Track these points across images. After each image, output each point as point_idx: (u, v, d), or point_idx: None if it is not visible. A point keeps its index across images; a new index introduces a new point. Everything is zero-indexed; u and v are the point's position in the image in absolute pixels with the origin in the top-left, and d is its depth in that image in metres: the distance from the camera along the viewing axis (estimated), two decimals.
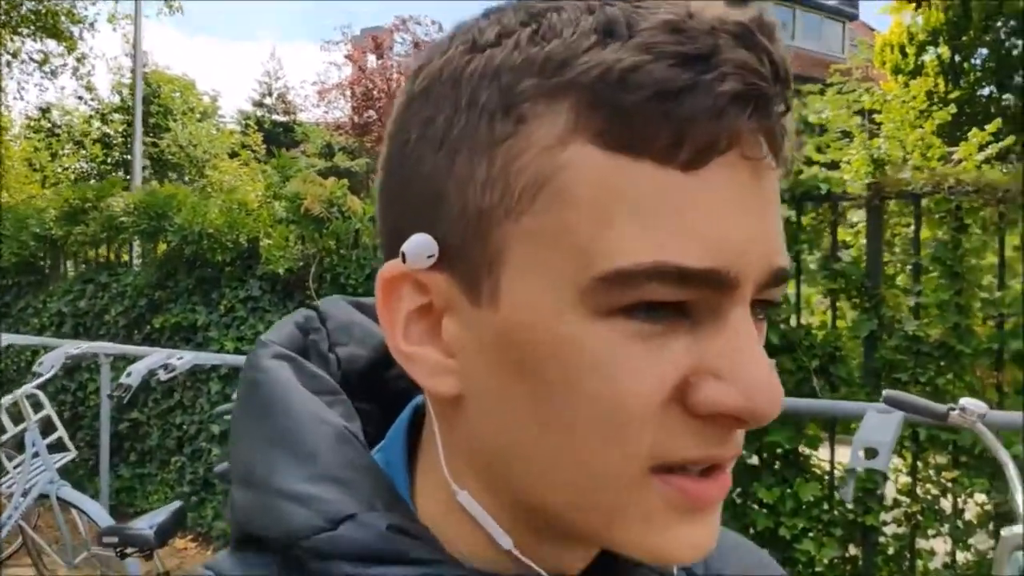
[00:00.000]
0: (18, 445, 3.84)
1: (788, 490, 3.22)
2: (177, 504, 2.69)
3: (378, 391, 0.53)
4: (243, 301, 4.96)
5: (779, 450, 3.30)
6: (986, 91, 12.50)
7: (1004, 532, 1.54)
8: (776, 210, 0.40)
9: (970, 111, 11.52)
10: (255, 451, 0.46)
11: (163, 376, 3.45)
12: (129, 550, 2.45)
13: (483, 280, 0.40)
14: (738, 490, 3.37)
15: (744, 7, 0.38)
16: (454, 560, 0.43)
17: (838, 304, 3.38)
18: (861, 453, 1.96)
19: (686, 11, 0.37)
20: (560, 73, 0.37)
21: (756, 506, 3.32)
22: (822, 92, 9.49)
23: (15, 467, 3.67)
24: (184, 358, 3.52)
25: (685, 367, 0.38)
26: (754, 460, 3.39)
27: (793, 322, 3.37)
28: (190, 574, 0.47)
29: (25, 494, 3.58)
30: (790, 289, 3.41)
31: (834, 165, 8.07)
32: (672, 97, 0.35)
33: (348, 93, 22.11)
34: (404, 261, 0.41)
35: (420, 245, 0.41)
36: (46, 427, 3.74)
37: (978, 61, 12.39)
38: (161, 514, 2.54)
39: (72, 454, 3.78)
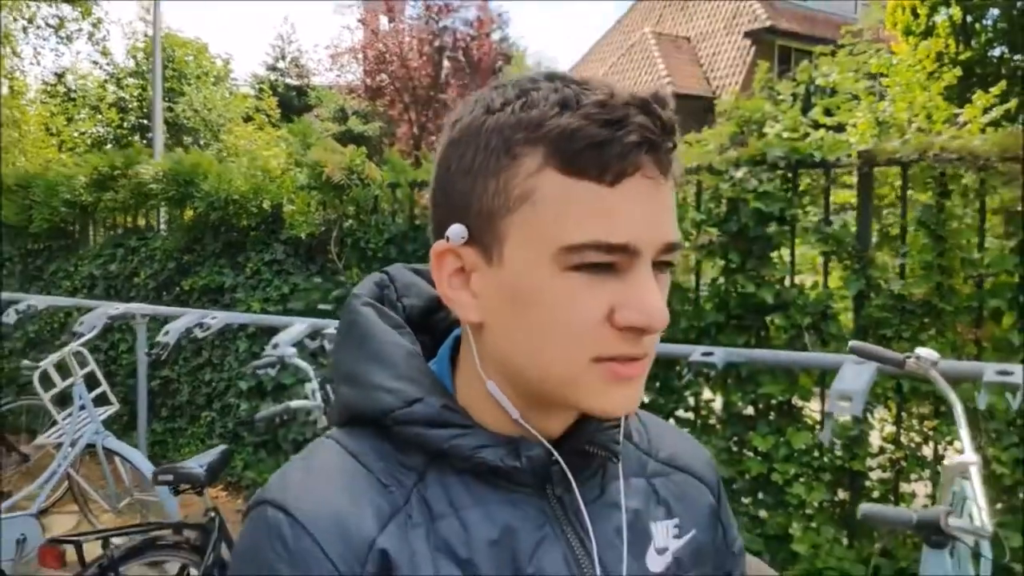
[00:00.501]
0: (62, 399, 4.12)
1: (781, 438, 3.46)
2: (223, 446, 2.95)
3: (430, 328, 0.81)
4: (268, 264, 5.21)
5: (773, 401, 3.53)
6: (997, 52, 12.47)
7: (947, 461, 1.76)
8: (669, 206, 0.68)
9: (980, 72, 11.53)
10: (357, 363, 0.75)
11: (199, 334, 3.71)
12: (182, 487, 2.72)
13: (494, 251, 0.68)
14: (734, 438, 3.62)
15: (650, 89, 0.67)
16: (481, 427, 0.73)
17: (829, 265, 3.58)
18: (838, 399, 2.19)
19: (611, 92, 0.65)
20: (537, 131, 0.65)
21: (751, 453, 3.56)
22: (833, 54, 9.54)
23: (64, 419, 3.95)
24: (218, 318, 3.78)
25: (612, 301, 0.66)
26: (749, 410, 3.63)
27: (787, 283, 3.59)
28: (320, 440, 0.75)
29: (73, 444, 3.86)
30: (784, 251, 3.62)
31: (840, 128, 8.19)
32: (599, 146, 0.64)
33: (360, 57, 22.18)
34: (447, 241, 0.69)
35: (457, 231, 0.69)
36: (90, 382, 4.02)
37: (989, 22, 12.35)
38: (210, 455, 2.80)
39: (115, 407, 4.07)
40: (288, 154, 5.25)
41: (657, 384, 3.77)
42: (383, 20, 22.54)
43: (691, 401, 3.79)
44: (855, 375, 2.21)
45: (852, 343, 2.08)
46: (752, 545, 3.47)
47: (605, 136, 0.63)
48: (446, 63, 21.77)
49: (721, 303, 3.65)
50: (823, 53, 9.44)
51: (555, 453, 0.73)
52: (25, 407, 4.98)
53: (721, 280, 3.67)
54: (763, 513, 3.57)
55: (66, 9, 18.39)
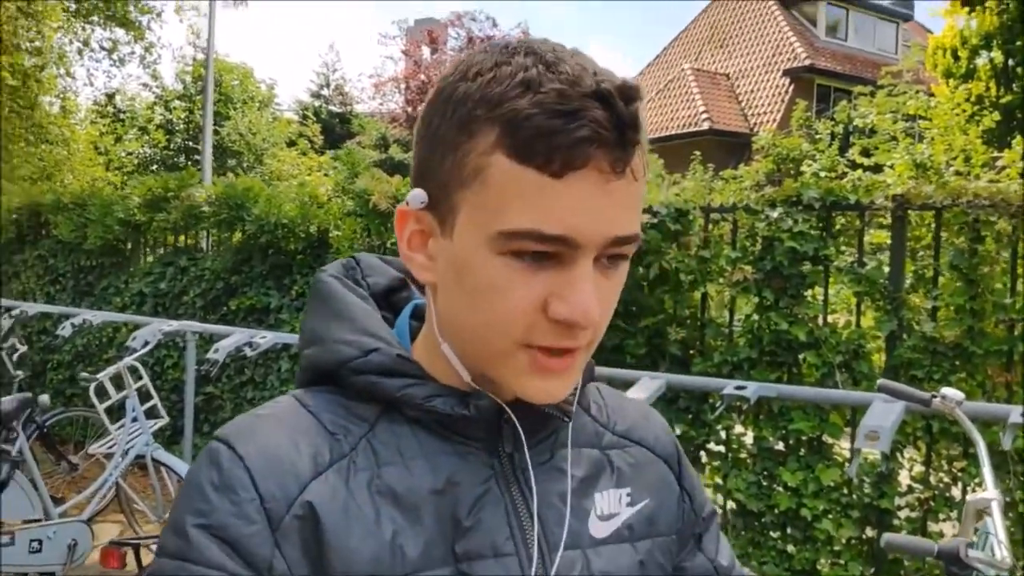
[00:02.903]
0: (112, 411, 4.28)
1: (810, 474, 3.52)
2: None
3: (391, 304, 0.85)
4: None
5: (803, 437, 3.60)
6: None
7: (969, 497, 1.83)
8: (622, 201, 0.66)
9: (1021, 117, 11.52)
10: (319, 322, 0.79)
11: (248, 353, 3.86)
12: None
13: (447, 222, 0.69)
14: (764, 472, 3.68)
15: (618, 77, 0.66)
16: (434, 380, 0.75)
17: (862, 305, 3.65)
18: (866, 435, 2.27)
19: (573, 79, 0.63)
20: (494, 110, 0.65)
21: (781, 488, 3.62)
22: (872, 94, 9.57)
23: (116, 430, 4.12)
24: (267, 337, 3.92)
25: (545, 291, 0.66)
26: (780, 446, 3.69)
27: (820, 321, 3.66)
28: (279, 400, 0.78)
29: (125, 454, 4.02)
30: (817, 291, 3.70)
31: (878, 168, 8.18)
32: (548, 136, 0.63)
33: (403, 86, 22.60)
34: (407, 205, 0.72)
35: (417, 196, 0.71)
36: (142, 396, 4.18)
37: None
38: None
39: (165, 420, 4.22)
40: (335, 181, 5.44)
41: (690, 416, 3.85)
42: (425, 50, 22.97)
43: (723, 435, 3.86)
44: (884, 413, 2.29)
45: (880, 381, 2.16)
46: None
47: (555, 127, 0.63)
48: None
49: (754, 339, 3.73)
50: (862, 93, 9.51)
51: (506, 408, 0.74)
52: (72, 418, 5.17)
53: (755, 317, 3.76)
54: (791, 548, 3.62)
55: (120, 32, 18.86)
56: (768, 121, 18.51)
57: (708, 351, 3.92)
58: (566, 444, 0.79)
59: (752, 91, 20.30)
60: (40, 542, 3.41)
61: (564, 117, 0.62)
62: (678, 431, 3.86)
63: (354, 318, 0.77)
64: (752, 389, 2.73)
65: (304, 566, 0.68)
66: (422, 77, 21.44)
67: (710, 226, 4.04)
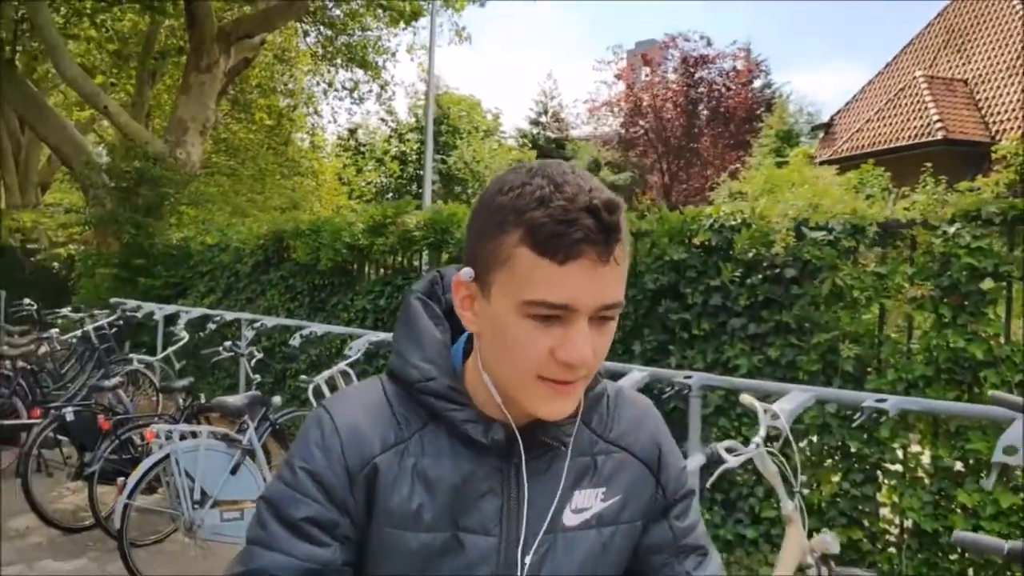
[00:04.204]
0: None
1: (989, 496, 3.40)
2: None
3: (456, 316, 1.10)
4: None
5: (981, 457, 3.47)
6: None
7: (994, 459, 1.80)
8: (607, 279, 0.93)
9: None
10: (403, 342, 1.09)
11: None
12: None
13: (486, 290, 0.97)
14: (940, 492, 3.59)
15: (606, 192, 0.94)
16: (473, 407, 1.04)
17: None
18: (1003, 449, 2.27)
19: (573, 197, 0.91)
20: (519, 217, 0.93)
21: (958, 509, 3.52)
22: None
23: None
24: None
25: (553, 342, 0.94)
26: (958, 466, 3.58)
27: (1003, 340, 3.53)
28: (375, 377, 1.12)
29: None
30: (999, 311, 3.57)
31: None
32: (556, 237, 0.90)
33: (616, 109, 22.95)
34: (461, 277, 1.00)
35: (468, 272, 1.00)
36: None
37: None
38: None
39: None
40: None
41: (865, 436, 3.82)
42: (644, 70, 23.19)
43: (899, 454, 3.80)
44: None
45: (992, 393, 2.15)
46: None
47: (560, 231, 0.90)
48: (701, 113, 21.93)
49: (931, 357, 3.66)
50: None
51: (518, 436, 1.04)
52: (300, 417, 5.87)
53: (932, 334, 3.68)
54: (971, 572, 3.51)
55: (359, 73, 20.62)
56: (1012, 128, 17.02)
57: (884, 368, 3.87)
58: (563, 459, 1.07)
59: (993, 97, 18.71)
60: None
61: (566, 224, 0.91)
62: (853, 448, 3.85)
63: (424, 346, 1.07)
64: (892, 403, 2.74)
65: (363, 511, 1.04)
66: (636, 99, 21.66)
67: (887, 242, 3.99)
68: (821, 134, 22.78)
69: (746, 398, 2.87)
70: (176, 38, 16.33)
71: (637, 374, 3.61)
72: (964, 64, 20.00)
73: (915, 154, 16.82)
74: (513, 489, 1.05)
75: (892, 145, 18.25)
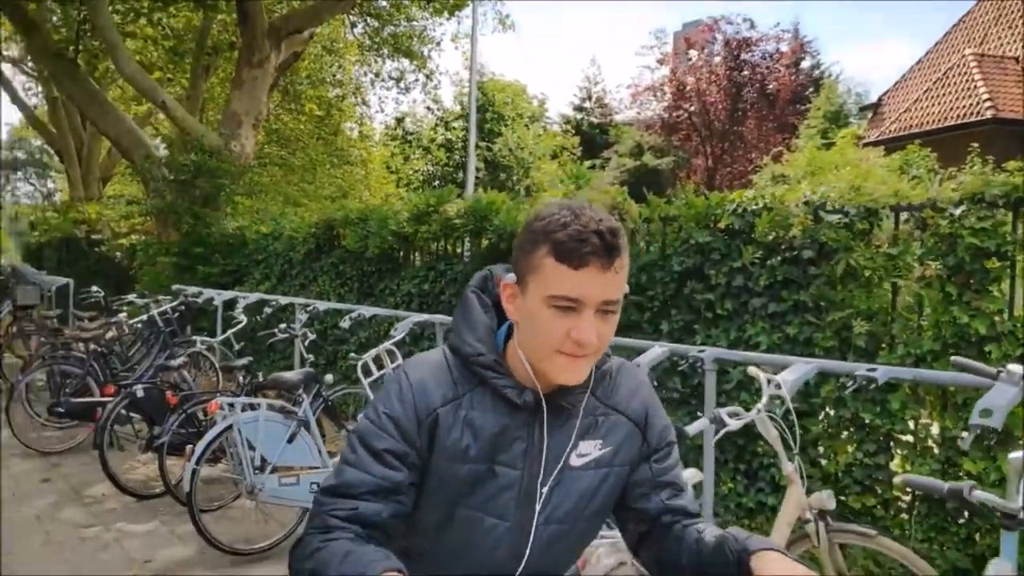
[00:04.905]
0: (377, 386, 5.23)
1: (993, 464, 3.61)
2: None
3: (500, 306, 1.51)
4: None
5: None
6: None
7: (1011, 456, 2.03)
8: (610, 280, 1.32)
9: None
10: (461, 324, 1.52)
11: None
12: None
13: (523, 290, 1.39)
14: (947, 460, 3.80)
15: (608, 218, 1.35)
16: (511, 376, 1.46)
17: None
18: (979, 412, 2.50)
19: (586, 223, 1.32)
20: (547, 237, 1.34)
21: (964, 476, 3.72)
22: None
23: None
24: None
25: (569, 326, 1.34)
26: (964, 435, 3.78)
27: (1005, 315, 3.72)
28: (441, 347, 1.50)
29: None
30: (1004, 287, 3.76)
31: None
32: (571, 251, 1.31)
33: (659, 94, 23.00)
34: (507, 280, 1.44)
35: (512, 277, 1.43)
36: None
37: None
38: None
39: None
40: (564, 194, 6.11)
41: (877, 409, 4.04)
42: (692, 53, 23.17)
43: (910, 424, 4.02)
44: (1001, 393, 2.50)
45: (953, 358, 2.38)
46: (961, 563, 3.67)
47: (574, 247, 1.29)
48: (746, 96, 21.86)
49: (938, 333, 3.87)
50: None
51: (543, 400, 1.43)
52: (350, 394, 6.26)
53: (938, 311, 3.88)
54: (978, 536, 3.72)
55: (405, 63, 20.95)
56: None
57: (895, 344, 4.09)
58: (576, 416, 1.48)
59: None
60: (317, 484, 4.37)
61: (580, 242, 1.30)
62: (866, 419, 4.08)
63: (476, 329, 1.47)
64: (882, 372, 2.98)
65: (426, 447, 1.43)
66: (679, 83, 21.66)
67: (900, 224, 4.20)
68: (870, 115, 22.58)
69: (753, 369, 3.15)
70: (228, 34, 16.84)
71: (658, 349, 3.90)
72: (1017, 41, 19.66)
73: (964, 134, 16.68)
74: (536, 437, 1.45)
75: (940, 125, 18.09)
